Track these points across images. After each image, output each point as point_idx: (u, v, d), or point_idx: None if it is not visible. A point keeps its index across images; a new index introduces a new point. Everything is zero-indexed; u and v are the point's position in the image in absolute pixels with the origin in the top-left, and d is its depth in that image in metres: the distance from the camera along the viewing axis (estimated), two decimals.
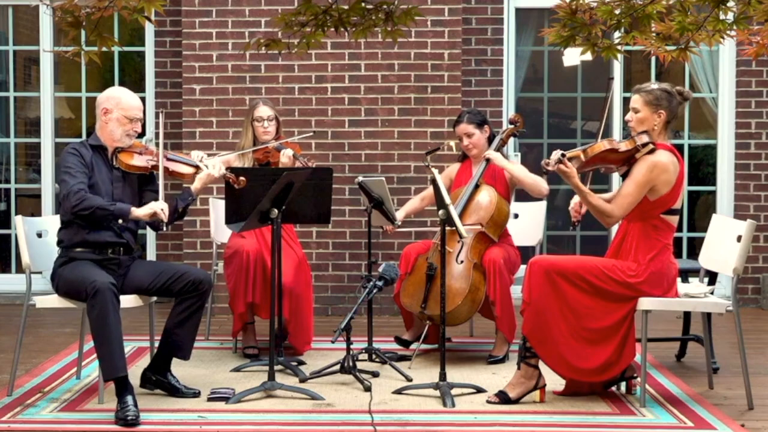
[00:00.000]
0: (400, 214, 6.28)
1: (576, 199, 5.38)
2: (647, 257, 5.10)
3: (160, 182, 5.30)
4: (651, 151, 5.11)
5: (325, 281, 7.72)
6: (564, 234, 9.15)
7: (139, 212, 5.21)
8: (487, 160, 6.16)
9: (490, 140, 6.30)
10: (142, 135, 8.18)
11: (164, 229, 5.31)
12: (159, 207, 5.21)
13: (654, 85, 5.26)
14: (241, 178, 5.37)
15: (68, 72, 8.91)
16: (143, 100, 8.27)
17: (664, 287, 5.14)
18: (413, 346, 6.16)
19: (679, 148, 8.42)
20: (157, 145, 5.35)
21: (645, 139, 5.15)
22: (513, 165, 6.22)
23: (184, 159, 5.46)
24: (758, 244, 8.09)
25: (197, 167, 5.44)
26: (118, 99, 5.32)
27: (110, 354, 4.94)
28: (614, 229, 5.71)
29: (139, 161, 5.33)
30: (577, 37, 4.42)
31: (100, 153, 5.32)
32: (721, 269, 5.52)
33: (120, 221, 5.22)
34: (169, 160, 5.36)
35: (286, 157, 6.17)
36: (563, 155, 5.06)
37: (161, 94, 8.25)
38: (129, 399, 4.88)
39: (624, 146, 5.16)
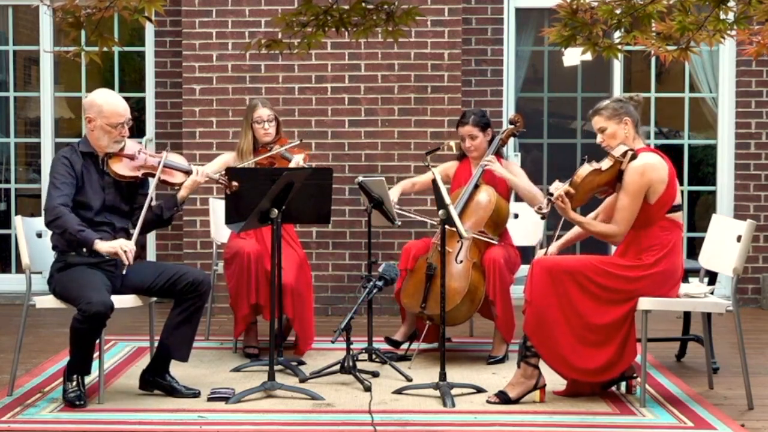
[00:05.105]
0: (396, 192, 6.28)
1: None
2: (656, 257, 5.09)
3: (151, 187, 5.28)
4: (633, 158, 5.10)
5: (325, 281, 7.71)
6: (564, 234, 9.12)
7: (102, 247, 5.07)
8: (484, 168, 6.16)
9: (489, 142, 6.31)
10: (142, 134, 8.19)
11: (123, 272, 5.11)
12: (124, 247, 5.06)
13: (604, 101, 5.27)
14: (234, 183, 5.31)
15: (68, 72, 8.90)
16: (143, 100, 8.29)
17: (667, 288, 5.14)
18: (413, 346, 6.16)
19: (679, 148, 8.44)
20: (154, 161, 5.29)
21: (623, 148, 5.13)
22: (512, 176, 6.20)
23: (178, 165, 5.36)
24: (758, 244, 8.09)
25: (188, 172, 5.35)
26: (99, 107, 5.20)
27: (81, 359, 5.09)
28: None
29: (129, 170, 5.25)
30: (578, 37, 4.43)
31: (90, 159, 5.26)
32: (721, 269, 5.52)
33: (84, 249, 5.13)
34: (165, 167, 5.28)
35: (295, 164, 6.10)
36: (551, 194, 5.07)
37: (161, 94, 8.25)
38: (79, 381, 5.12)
39: (606, 164, 5.13)
